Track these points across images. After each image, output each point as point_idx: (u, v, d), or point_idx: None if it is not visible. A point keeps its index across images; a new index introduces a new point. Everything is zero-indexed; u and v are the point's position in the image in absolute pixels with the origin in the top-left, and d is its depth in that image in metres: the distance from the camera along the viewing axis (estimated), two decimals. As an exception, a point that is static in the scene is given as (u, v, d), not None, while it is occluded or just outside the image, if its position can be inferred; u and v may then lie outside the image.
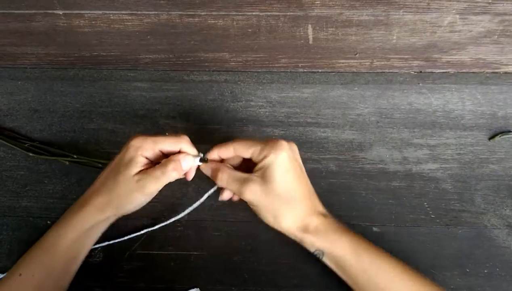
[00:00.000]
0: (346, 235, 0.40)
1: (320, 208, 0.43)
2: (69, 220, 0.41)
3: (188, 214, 0.48)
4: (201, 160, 0.43)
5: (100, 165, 0.51)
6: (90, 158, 0.52)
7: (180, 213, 0.47)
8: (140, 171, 0.41)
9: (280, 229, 0.41)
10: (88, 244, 0.43)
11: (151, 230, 0.47)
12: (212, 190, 0.44)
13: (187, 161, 0.42)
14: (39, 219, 0.49)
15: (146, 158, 0.42)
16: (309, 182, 0.43)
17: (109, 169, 0.42)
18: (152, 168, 0.41)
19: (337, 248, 0.40)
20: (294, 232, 0.41)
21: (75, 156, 0.52)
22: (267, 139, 0.41)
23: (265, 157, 0.40)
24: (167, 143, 0.42)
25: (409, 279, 0.39)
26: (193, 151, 0.43)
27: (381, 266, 0.39)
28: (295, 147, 0.42)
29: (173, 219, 0.46)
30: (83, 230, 0.41)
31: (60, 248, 0.40)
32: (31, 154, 0.52)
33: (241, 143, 0.42)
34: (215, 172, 0.42)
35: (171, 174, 0.41)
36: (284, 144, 0.40)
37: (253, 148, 0.41)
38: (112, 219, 0.44)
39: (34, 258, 0.40)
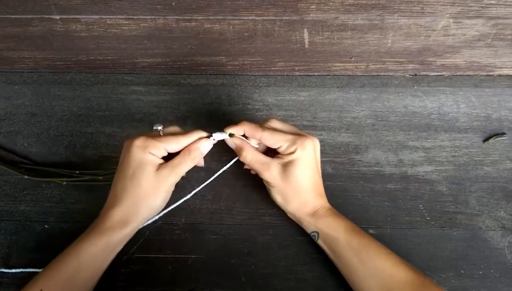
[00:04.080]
0: (341, 220, 0.44)
1: (324, 197, 0.46)
2: (91, 236, 0.41)
3: (186, 217, 0.49)
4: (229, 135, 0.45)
5: (101, 178, 0.50)
6: (90, 172, 0.51)
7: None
8: (157, 167, 0.42)
9: (284, 209, 0.46)
10: (109, 259, 0.42)
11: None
12: (233, 161, 0.48)
13: (205, 144, 0.44)
14: (36, 223, 0.49)
15: (154, 155, 0.43)
16: (320, 176, 0.46)
17: (120, 179, 0.42)
18: (170, 160, 0.43)
19: (331, 230, 0.44)
20: (295, 212, 0.45)
21: (77, 172, 0.51)
22: (295, 135, 0.44)
23: (291, 153, 0.43)
24: (171, 143, 0.44)
25: (394, 257, 0.41)
26: (205, 134, 0.45)
27: (370, 246, 0.42)
28: (318, 144, 0.45)
29: (183, 199, 0.48)
30: (106, 246, 0.41)
31: (82, 264, 0.40)
32: (26, 177, 0.51)
33: (271, 135, 0.44)
34: (240, 150, 0.45)
35: (194, 155, 0.43)
36: (310, 144, 0.44)
37: (282, 143, 0.44)
38: (134, 232, 0.44)
39: (54, 273, 0.40)
